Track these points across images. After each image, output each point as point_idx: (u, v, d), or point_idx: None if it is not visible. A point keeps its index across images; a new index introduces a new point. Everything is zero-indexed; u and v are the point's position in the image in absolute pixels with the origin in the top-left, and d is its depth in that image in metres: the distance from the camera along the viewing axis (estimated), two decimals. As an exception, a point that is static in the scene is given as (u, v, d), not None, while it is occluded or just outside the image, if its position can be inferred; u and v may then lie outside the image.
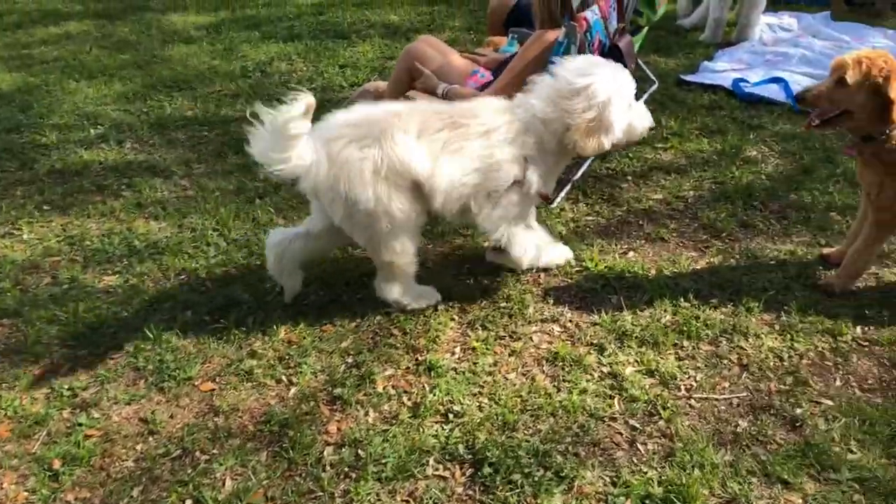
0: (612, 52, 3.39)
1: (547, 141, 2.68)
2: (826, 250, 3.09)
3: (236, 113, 4.52)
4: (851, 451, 2.18)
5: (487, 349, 2.63)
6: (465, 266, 3.09)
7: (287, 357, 2.61)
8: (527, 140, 2.66)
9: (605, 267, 3.06)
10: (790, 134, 4.13)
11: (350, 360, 2.60)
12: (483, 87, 3.51)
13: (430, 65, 3.60)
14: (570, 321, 2.77)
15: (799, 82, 4.70)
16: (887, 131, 2.56)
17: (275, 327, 2.73)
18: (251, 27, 6.13)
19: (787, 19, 6.03)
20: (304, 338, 2.70)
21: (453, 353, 2.62)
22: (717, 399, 2.40)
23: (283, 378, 2.52)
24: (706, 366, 2.54)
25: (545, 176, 2.75)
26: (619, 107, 2.66)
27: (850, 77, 2.54)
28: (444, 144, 2.56)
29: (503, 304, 2.85)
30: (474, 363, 2.56)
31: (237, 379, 2.52)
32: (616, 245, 3.21)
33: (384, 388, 2.46)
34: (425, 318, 2.78)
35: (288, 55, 5.48)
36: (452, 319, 2.78)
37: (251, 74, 5.14)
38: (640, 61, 4.80)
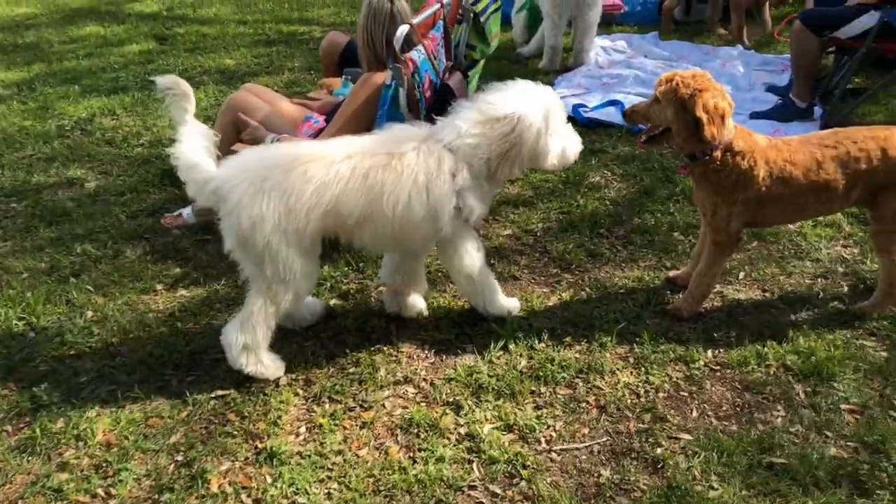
0: (443, 90, 3.29)
1: (476, 167, 2.53)
2: (672, 273, 3.10)
3: (50, 179, 4.08)
4: (713, 488, 2.12)
5: (336, 425, 2.40)
6: (308, 330, 2.86)
7: (105, 464, 2.27)
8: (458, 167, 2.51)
9: (460, 314, 2.93)
10: (630, 156, 4.20)
11: (180, 457, 2.30)
12: (317, 134, 3.31)
13: (256, 115, 3.37)
14: (425, 380, 2.60)
15: (634, 103, 4.81)
16: (709, 150, 2.58)
17: (90, 429, 2.39)
18: (69, 81, 5.64)
19: (619, 41, 6.24)
20: (126, 437, 2.37)
21: (297, 435, 2.37)
22: (577, 448, 2.30)
23: (100, 491, 2.18)
24: (564, 412, 2.43)
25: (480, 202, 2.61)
26: (552, 133, 2.56)
27: (660, 94, 2.57)
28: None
29: (352, 370, 2.64)
30: (321, 443, 2.33)
31: (44, 500, 2.15)
32: (468, 289, 3.08)
33: (219, 487, 2.18)
34: (265, 396, 2.52)
35: (112, 110, 5.06)
36: (296, 394, 2.54)
37: (69, 134, 4.70)
38: (481, 93, 4.77)
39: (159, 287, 3.14)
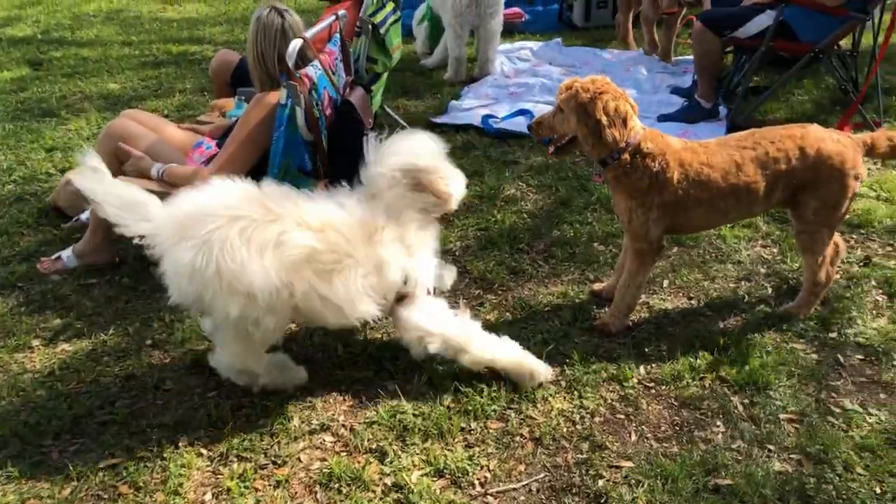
0: (344, 107, 3.07)
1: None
2: (596, 286, 2.98)
3: None
4: (660, 520, 1.99)
5: (246, 487, 2.13)
6: (211, 380, 2.57)
7: (-29, 563, 1.94)
8: None
9: (378, 347, 2.70)
10: (543, 166, 4.09)
11: (63, 545, 1.99)
12: (210, 161, 3.03)
13: (140, 143, 3.05)
14: (344, 426, 2.36)
15: (543, 111, 4.72)
16: (617, 154, 2.48)
17: (-47, 521, 2.04)
18: (-69, 114, 5.10)
19: (523, 50, 6.17)
20: (-2, 527, 2.04)
21: (203, 503, 2.10)
22: (514, 489, 2.11)
23: None
24: (498, 448, 2.25)
25: None
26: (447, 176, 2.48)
27: (561, 102, 2.51)
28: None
29: (261, 422, 2.38)
30: (230, 511, 2.06)
31: None
32: (387, 320, 2.86)
33: (111, 578, 1.89)
34: (163, 461, 2.22)
35: (-21, 144, 4.57)
36: (199, 455, 2.25)
37: (-71, 173, 4.21)
38: (387, 108, 4.59)
39: (36, 343, 2.78)
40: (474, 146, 4.37)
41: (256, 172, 2.90)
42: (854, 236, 3.27)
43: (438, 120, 4.70)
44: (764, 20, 4.16)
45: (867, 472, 2.11)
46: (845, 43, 4.79)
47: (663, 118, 4.59)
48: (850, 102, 4.35)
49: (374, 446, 2.27)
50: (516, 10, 6.83)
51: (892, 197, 3.55)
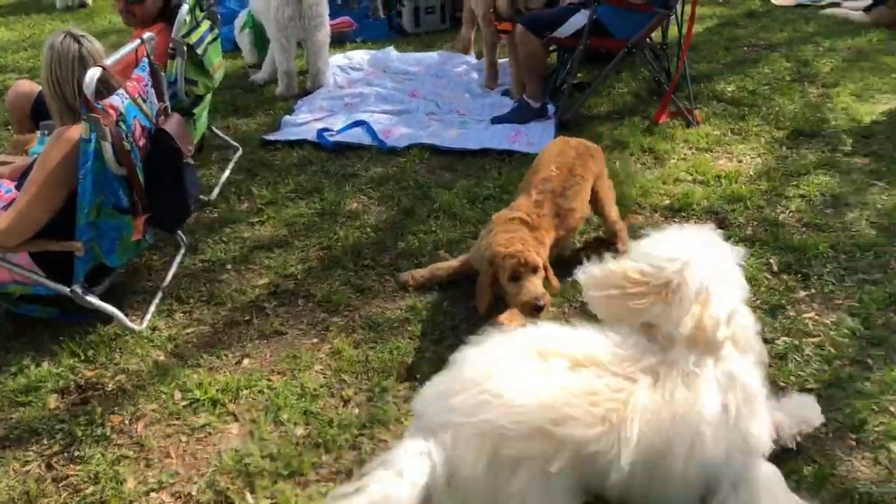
0: (158, 136, 2.87)
1: None
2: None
3: None
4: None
5: (75, 567, 1.93)
6: (30, 449, 2.31)
7: None
8: None
9: (219, 389, 2.54)
10: (384, 176, 4.03)
11: None
12: (9, 205, 2.74)
13: (-79, 193, 2.71)
14: (185, 480, 2.19)
15: (380, 121, 4.69)
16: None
17: None
18: None
19: (357, 58, 6.09)
20: None
21: None
22: (373, 520, 2.04)
23: None
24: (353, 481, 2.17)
25: None
26: None
27: None
28: None
29: (90, 489, 2.16)
30: None
31: None
32: (228, 355, 2.71)
33: None
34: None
35: None
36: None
37: None
38: (215, 129, 4.37)
39: None
40: (311, 162, 4.25)
41: (64, 215, 2.67)
42: (676, 220, 3.45)
43: (271, 137, 4.53)
44: (580, 20, 4.33)
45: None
46: (656, 36, 5.09)
47: (496, 120, 4.67)
48: (664, 93, 4.61)
49: (220, 499, 2.12)
50: (345, 19, 6.74)
51: (706, 179, 3.78)
